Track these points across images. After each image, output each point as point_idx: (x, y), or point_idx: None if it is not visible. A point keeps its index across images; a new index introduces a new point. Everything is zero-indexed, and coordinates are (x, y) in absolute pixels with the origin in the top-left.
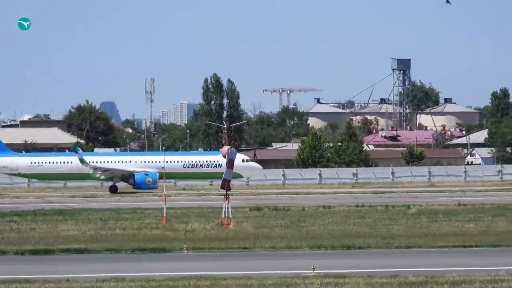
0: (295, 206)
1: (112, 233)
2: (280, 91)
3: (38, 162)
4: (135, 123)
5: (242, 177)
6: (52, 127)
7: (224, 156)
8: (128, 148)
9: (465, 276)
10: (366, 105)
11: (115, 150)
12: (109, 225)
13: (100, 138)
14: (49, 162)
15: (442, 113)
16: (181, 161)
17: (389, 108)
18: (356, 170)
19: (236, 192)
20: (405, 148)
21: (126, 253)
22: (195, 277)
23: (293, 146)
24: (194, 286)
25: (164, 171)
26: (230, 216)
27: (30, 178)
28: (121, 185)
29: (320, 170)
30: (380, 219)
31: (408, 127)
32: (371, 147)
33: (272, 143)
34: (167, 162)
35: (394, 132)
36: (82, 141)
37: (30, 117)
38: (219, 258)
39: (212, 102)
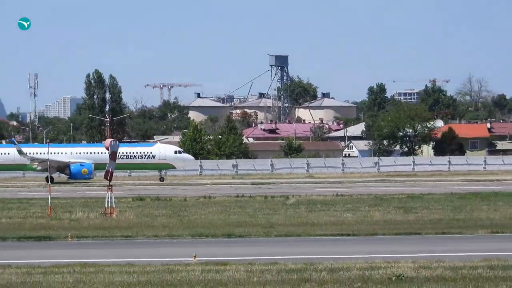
0: (177, 197)
1: None
2: (161, 86)
3: None
4: (20, 116)
5: (174, 167)
6: None
7: (107, 149)
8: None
9: (343, 263)
10: (245, 99)
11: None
12: None
13: None
14: None
15: (320, 107)
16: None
17: (268, 103)
18: (236, 162)
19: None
20: (284, 141)
21: (12, 241)
22: (80, 264)
23: (174, 138)
24: (79, 273)
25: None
26: (113, 206)
27: None
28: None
29: (201, 162)
30: (260, 209)
31: (287, 121)
32: (251, 140)
33: (154, 136)
34: (101, 153)
35: (273, 125)
36: None
37: None
38: (102, 246)
39: (95, 97)
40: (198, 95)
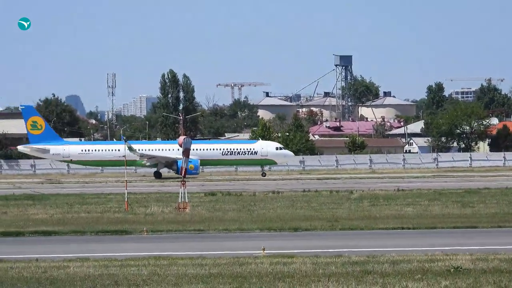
0: (247, 192)
1: (77, 217)
2: (232, 85)
3: (88, 150)
4: (98, 115)
5: (276, 163)
6: (21, 118)
7: (181, 146)
8: (92, 138)
9: (404, 256)
10: (311, 98)
11: (80, 140)
12: (75, 209)
13: (66, 129)
14: (98, 150)
15: (382, 106)
16: (220, 149)
17: (333, 101)
18: (303, 158)
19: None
20: (348, 138)
21: (91, 235)
22: (154, 257)
23: (245, 136)
24: (154, 265)
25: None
26: (186, 201)
27: (80, 164)
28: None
29: None
30: (325, 203)
31: (351, 119)
32: (316, 137)
33: (225, 134)
34: (206, 149)
35: (338, 123)
36: None
37: (1, 109)
38: (175, 239)
39: (169, 96)
40: (267, 94)
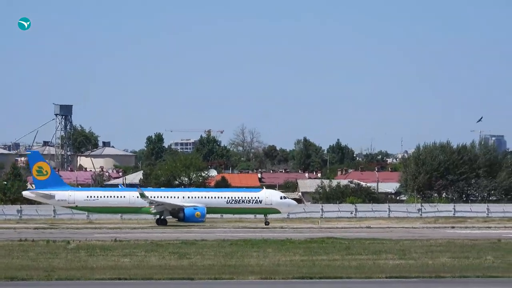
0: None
1: None
2: None
3: (94, 197)
4: None
5: (280, 212)
6: None
7: None
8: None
9: None
10: (30, 147)
11: None
12: None
13: None
14: (104, 197)
15: (101, 156)
16: (225, 197)
17: (52, 150)
18: (21, 207)
19: None
20: None
21: None
22: None
23: None
24: None
25: None
26: None
27: (86, 211)
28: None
29: None
30: (42, 253)
31: (69, 168)
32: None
33: None
34: (212, 198)
35: (57, 172)
36: None
37: None
38: None
39: None
40: None
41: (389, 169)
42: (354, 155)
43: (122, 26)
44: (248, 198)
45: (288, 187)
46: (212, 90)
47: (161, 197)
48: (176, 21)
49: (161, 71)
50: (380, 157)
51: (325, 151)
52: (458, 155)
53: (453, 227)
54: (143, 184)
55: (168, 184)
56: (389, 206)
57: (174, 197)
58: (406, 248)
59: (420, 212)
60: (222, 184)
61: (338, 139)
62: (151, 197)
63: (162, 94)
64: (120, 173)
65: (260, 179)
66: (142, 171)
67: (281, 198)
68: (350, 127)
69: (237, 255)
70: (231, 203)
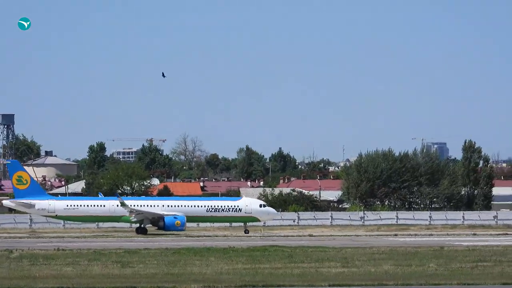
0: None
1: None
2: None
3: (73, 206)
4: None
5: (259, 220)
6: None
7: None
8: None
9: None
10: None
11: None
12: None
13: None
14: (84, 206)
15: (43, 165)
16: (205, 206)
17: None
18: None
19: None
20: (8, 197)
21: None
22: None
23: None
24: None
25: None
26: None
27: (66, 220)
28: None
29: None
30: None
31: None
32: None
33: None
34: (192, 206)
35: None
36: None
37: None
38: None
39: None
40: None
41: (331, 177)
42: (296, 163)
43: (62, 33)
44: (228, 206)
45: (231, 195)
46: (154, 98)
47: (141, 206)
48: (113, 27)
49: (102, 80)
50: (322, 165)
51: (267, 160)
52: (400, 163)
53: (395, 235)
54: (86, 192)
55: (111, 193)
56: (331, 214)
57: (154, 206)
58: (349, 256)
59: (362, 220)
60: (165, 193)
61: (280, 148)
62: (131, 205)
63: (103, 103)
64: (63, 182)
65: (202, 188)
66: (84, 180)
67: (260, 206)
68: (292, 135)
69: (180, 264)
70: (211, 211)
